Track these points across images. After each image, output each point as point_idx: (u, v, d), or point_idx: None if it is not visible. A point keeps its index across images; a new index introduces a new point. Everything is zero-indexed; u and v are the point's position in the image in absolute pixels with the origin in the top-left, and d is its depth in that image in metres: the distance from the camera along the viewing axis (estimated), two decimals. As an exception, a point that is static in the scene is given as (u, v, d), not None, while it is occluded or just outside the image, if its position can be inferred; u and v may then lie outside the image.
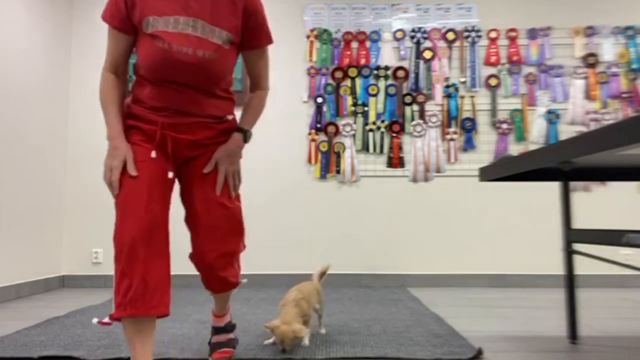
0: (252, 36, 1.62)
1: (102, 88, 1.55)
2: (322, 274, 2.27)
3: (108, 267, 3.88)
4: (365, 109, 3.96)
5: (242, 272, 4.25)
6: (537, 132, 3.91)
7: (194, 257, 1.80)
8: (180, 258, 4.14)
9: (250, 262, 3.87)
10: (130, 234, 1.43)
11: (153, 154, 1.52)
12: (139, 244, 1.43)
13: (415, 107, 3.97)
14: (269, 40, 1.66)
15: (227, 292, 1.81)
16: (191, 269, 4.05)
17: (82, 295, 3.41)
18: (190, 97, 1.55)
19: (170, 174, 1.59)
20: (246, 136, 1.71)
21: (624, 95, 3.90)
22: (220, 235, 1.66)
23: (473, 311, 2.79)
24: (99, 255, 3.89)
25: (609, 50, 3.96)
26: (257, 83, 1.75)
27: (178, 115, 1.56)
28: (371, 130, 3.94)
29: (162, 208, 1.57)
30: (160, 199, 1.56)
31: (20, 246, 3.36)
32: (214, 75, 1.55)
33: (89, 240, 3.91)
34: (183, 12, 1.48)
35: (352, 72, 3.98)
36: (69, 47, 4.02)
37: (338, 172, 3.92)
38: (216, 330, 1.88)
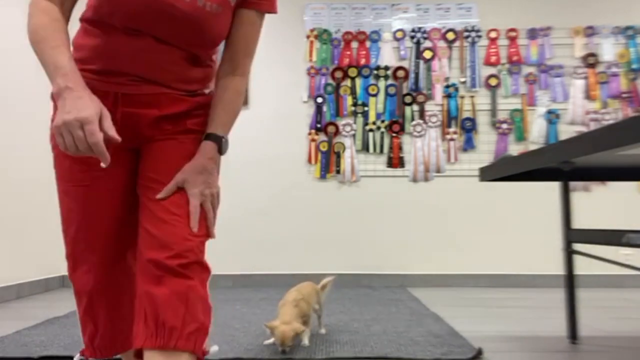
0: None
1: (38, 21, 1.01)
2: (324, 286, 2.28)
3: (108, 267, 3.88)
4: (365, 109, 3.96)
5: (242, 272, 4.24)
6: (537, 132, 3.91)
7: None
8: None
9: (250, 262, 3.88)
10: (86, 287, 1.21)
11: (103, 165, 0.95)
12: (96, 295, 1.22)
13: (415, 107, 3.97)
14: (272, 7, 1.31)
15: None
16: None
17: (82, 295, 3.41)
18: (167, 60, 1.12)
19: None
20: (222, 146, 1.16)
21: (624, 95, 3.90)
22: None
23: (473, 311, 2.79)
24: (99, 255, 3.89)
25: (609, 50, 3.96)
26: (236, 64, 1.20)
27: (138, 83, 1.11)
28: (371, 130, 3.94)
29: (125, 242, 1.21)
30: (123, 232, 1.20)
31: (20, 246, 3.36)
32: (210, 36, 1.14)
33: (89, 240, 3.91)
34: None
35: (352, 72, 3.98)
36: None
37: (338, 172, 3.92)
38: None
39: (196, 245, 1.05)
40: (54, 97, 1.03)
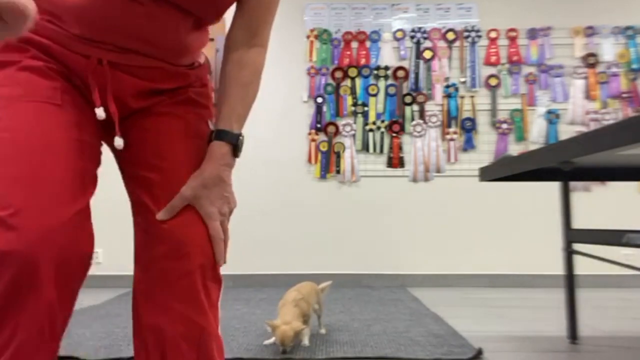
0: None
1: None
2: (323, 289, 2.30)
3: (108, 267, 3.88)
4: (365, 108, 3.96)
5: (242, 272, 4.25)
6: (537, 132, 3.91)
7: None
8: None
9: (250, 262, 3.88)
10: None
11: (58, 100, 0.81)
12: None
13: (415, 107, 3.97)
14: None
15: None
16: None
17: (81, 296, 3.39)
18: (163, 25, 0.87)
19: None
20: (238, 147, 0.99)
21: (624, 95, 3.90)
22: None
23: (473, 311, 2.79)
24: (99, 255, 3.89)
25: (608, 50, 3.96)
26: (255, 31, 0.99)
27: (128, 54, 0.87)
28: (371, 130, 3.94)
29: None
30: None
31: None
32: None
33: (89, 240, 3.91)
34: None
35: (352, 72, 3.98)
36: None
37: (338, 172, 3.92)
38: None
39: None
40: None
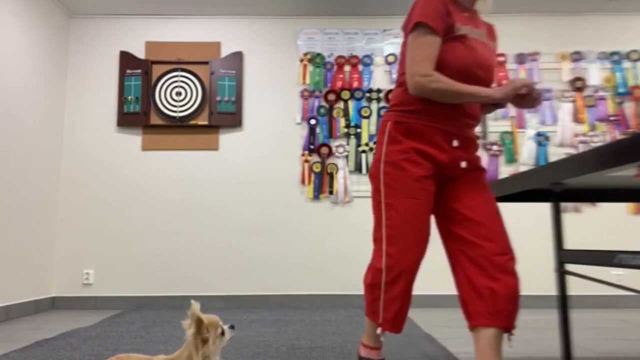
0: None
1: (445, 83, 1.47)
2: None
3: (99, 289, 3.83)
4: (358, 130, 4.01)
5: (234, 293, 4.20)
6: (527, 154, 3.97)
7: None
8: (173, 279, 4.09)
9: (242, 283, 3.85)
10: (408, 265, 1.56)
11: (462, 164, 1.60)
12: (411, 276, 1.60)
13: (407, 129, 4.01)
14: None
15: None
16: (185, 291, 3.99)
17: (72, 317, 3.36)
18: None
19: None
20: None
21: (611, 118, 3.98)
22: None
23: (467, 332, 2.78)
24: (89, 276, 3.84)
25: (595, 74, 4.06)
26: None
27: (465, 127, 1.61)
28: (364, 151, 3.98)
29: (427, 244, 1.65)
30: (428, 236, 1.64)
31: (9, 267, 3.31)
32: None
33: (79, 261, 3.87)
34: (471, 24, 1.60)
35: (345, 94, 4.03)
36: (64, 71, 4.04)
37: (331, 192, 3.94)
38: None
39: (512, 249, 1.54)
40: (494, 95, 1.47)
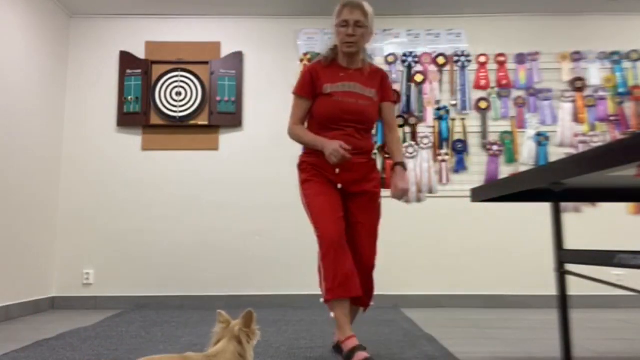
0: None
1: (296, 131, 2.18)
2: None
3: (99, 289, 3.83)
4: (358, 130, 4.00)
5: (235, 293, 4.21)
6: (527, 153, 3.97)
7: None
8: (174, 280, 4.09)
9: (242, 283, 3.85)
10: (331, 237, 2.00)
11: (339, 186, 2.14)
12: (339, 246, 2.01)
13: (407, 129, 4.02)
14: (393, 98, 2.34)
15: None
16: (185, 291, 4.00)
17: (72, 317, 3.36)
18: (359, 137, 2.17)
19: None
20: (405, 165, 2.29)
21: (611, 118, 3.98)
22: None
23: (467, 332, 2.79)
24: (89, 276, 3.84)
25: (595, 74, 4.06)
26: (391, 127, 2.32)
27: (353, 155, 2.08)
28: (364, 151, 3.98)
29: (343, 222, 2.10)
30: (341, 217, 2.10)
31: (9, 267, 3.31)
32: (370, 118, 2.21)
33: (79, 261, 3.87)
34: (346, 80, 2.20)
35: (345, 94, 4.03)
36: (64, 71, 4.04)
37: (331, 193, 3.94)
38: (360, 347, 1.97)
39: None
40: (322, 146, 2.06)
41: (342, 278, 1.96)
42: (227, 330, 1.39)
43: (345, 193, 2.14)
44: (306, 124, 2.24)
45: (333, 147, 1.98)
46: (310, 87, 2.16)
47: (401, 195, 2.21)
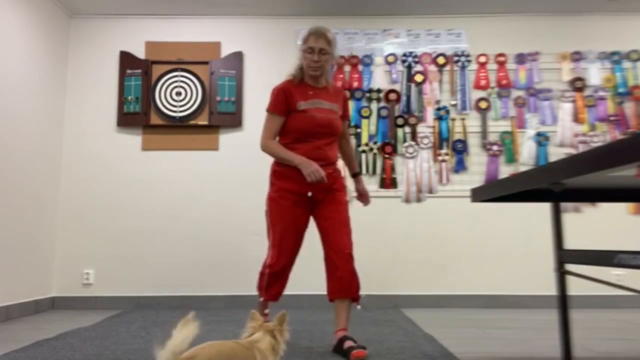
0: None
1: (271, 147, 2.38)
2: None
3: (99, 289, 3.83)
4: (358, 130, 4.01)
5: (234, 293, 4.20)
6: (527, 153, 3.97)
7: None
8: (176, 281, 4.09)
9: (242, 283, 3.85)
10: (284, 264, 2.38)
11: (309, 194, 2.37)
12: (283, 272, 2.41)
13: (407, 129, 4.02)
14: (349, 118, 2.75)
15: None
16: (185, 291, 4.00)
17: (72, 317, 3.36)
18: (327, 149, 2.41)
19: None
20: (361, 174, 2.71)
21: (611, 118, 3.98)
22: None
23: (467, 332, 2.79)
24: (89, 276, 3.84)
25: (595, 74, 4.06)
26: (347, 137, 2.61)
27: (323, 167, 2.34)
28: (364, 151, 3.98)
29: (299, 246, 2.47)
30: (294, 246, 2.42)
31: (9, 267, 3.31)
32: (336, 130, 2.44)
33: (79, 261, 3.87)
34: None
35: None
36: (64, 71, 4.04)
37: (331, 193, 3.94)
38: (345, 338, 2.22)
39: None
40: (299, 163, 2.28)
41: (274, 292, 2.45)
42: (262, 326, 1.58)
43: (313, 199, 2.37)
44: (277, 138, 2.43)
45: (312, 168, 2.21)
46: (284, 105, 2.37)
47: (368, 200, 2.61)
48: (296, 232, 2.37)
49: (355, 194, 2.60)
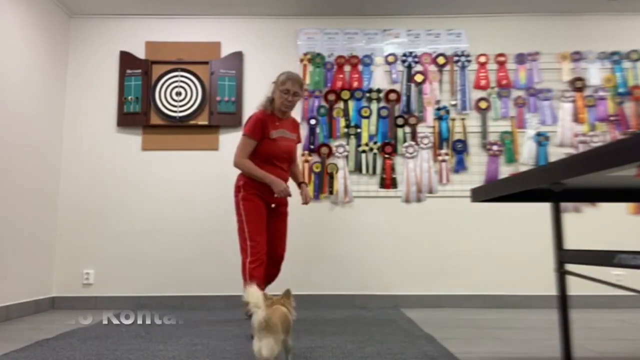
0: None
1: (247, 165, 2.86)
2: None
3: (99, 289, 3.83)
4: (358, 130, 4.01)
5: (233, 293, 4.19)
6: (527, 153, 3.97)
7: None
8: (178, 282, 4.09)
9: (241, 283, 3.84)
10: (261, 252, 2.80)
11: (272, 205, 2.98)
12: (263, 259, 2.81)
13: (407, 129, 4.02)
14: (300, 142, 3.25)
15: None
16: (184, 291, 4.01)
17: (72, 317, 3.35)
18: (284, 170, 3.00)
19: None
20: (306, 184, 3.20)
21: (611, 118, 3.98)
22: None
23: (467, 332, 2.79)
24: (90, 276, 3.84)
25: (595, 74, 4.06)
26: (295, 162, 3.18)
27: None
28: (364, 151, 3.98)
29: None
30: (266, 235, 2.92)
31: (9, 267, 3.31)
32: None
33: (79, 261, 3.87)
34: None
35: (345, 94, 4.04)
36: (64, 71, 4.04)
37: (331, 192, 3.94)
38: None
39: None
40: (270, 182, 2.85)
41: (259, 275, 2.75)
42: (275, 301, 1.95)
43: (271, 208, 2.95)
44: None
45: (283, 187, 2.83)
46: (260, 132, 2.86)
47: (308, 202, 3.12)
48: (266, 226, 2.89)
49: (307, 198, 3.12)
